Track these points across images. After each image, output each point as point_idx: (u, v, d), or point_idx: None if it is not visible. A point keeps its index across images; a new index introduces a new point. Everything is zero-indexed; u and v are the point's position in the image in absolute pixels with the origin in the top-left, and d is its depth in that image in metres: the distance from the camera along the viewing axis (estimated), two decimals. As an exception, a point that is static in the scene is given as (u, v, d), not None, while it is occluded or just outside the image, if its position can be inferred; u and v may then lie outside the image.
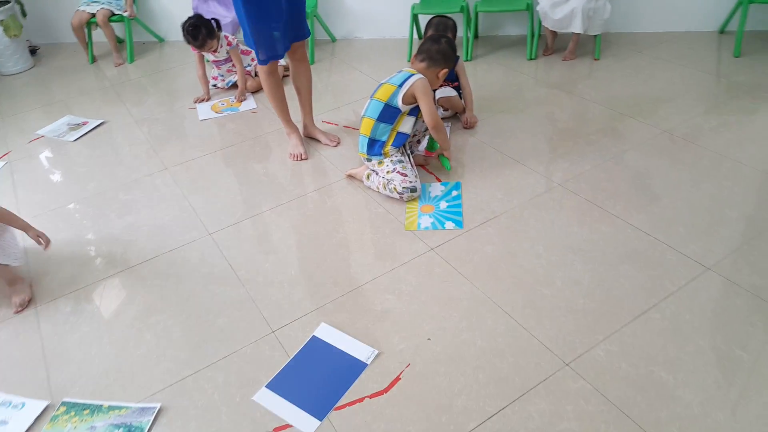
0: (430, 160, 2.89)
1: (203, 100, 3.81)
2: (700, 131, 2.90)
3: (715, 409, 1.62)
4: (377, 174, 2.67)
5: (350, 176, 2.84)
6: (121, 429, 1.74)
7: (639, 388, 1.70)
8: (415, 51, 2.75)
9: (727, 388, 1.68)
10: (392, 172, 2.60)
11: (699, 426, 1.59)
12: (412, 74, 2.60)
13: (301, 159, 3.04)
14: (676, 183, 2.55)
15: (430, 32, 3.18)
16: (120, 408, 1.81)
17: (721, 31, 3.99)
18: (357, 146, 2.79)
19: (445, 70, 2.69)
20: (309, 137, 3.22)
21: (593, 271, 2.14)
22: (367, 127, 2.66)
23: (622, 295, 2.02)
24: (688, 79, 3.45)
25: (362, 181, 2.75)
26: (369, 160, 2.71)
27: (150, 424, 1.75)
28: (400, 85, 2.58)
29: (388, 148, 2.64)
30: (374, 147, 2.66)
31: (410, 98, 2.57)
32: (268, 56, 2.76)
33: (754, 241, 2.18)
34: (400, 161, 2.63)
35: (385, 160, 2.65)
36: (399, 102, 2.57)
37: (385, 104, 2.60)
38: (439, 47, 2.67)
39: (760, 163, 2.61)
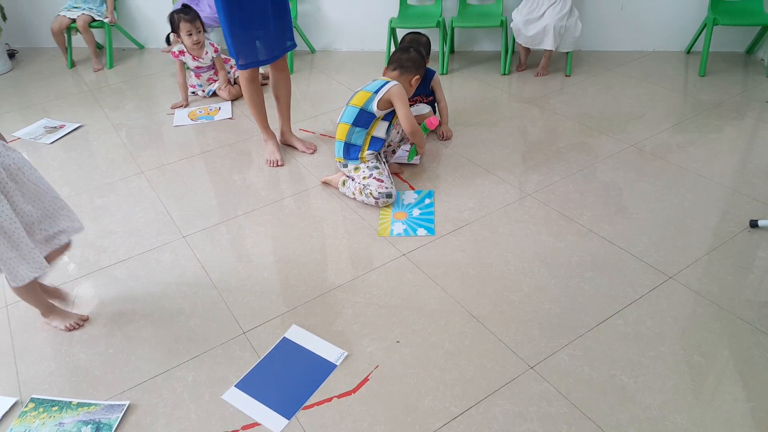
0: (405, 169, 2.93)
1: (181, 106, 3.82)
2: (666, 147, 3.00)
3: (673, 411, 1.68)
4: (353, 180, 2.71)
5: (325, 183, 2.87)
6: (90, 426, 1.74)
7: (600, 391, 1.75)
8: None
9: (685, 392, 1.73)
10: (368, 177, 2.65)
11: (658, 428, 1.64)
12: (388, 81, 2.66)
13: (278, 165, 3.06)
14: (642, 195, 2.63)
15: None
16: (89, 405, 1.81)
17: (688, 51, 4.12)
18: (333, 154, 2.83)
19: (417, 77, 2.76)
20: (286, 144, 3.25)
21: (559, 278, 2.19)
22: (342, 132, 2.71)
23: (587, 302, 2.08)
24: (655, 96, 3.56)
25: (337, 188, 2.79)
26: (345, 165, 2.74)
27: (118, 421, 1.75)
28: (376, 92, 2.64)
29: (365, 153, 2.69)
30: (350, 152, 2.70)
31: (386, 104, 2.63)
32: (248, 62, 2.80)
33: (714, 252, 2.26)
34: (376, 167, 2.67)
35: (361, 166, 2.69)
36: (374, 107, 2.62)
37: (360, 109, 2.65)
38: (409, 56, 2.76)
39: (722, 178, 2.70)
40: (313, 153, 3.16)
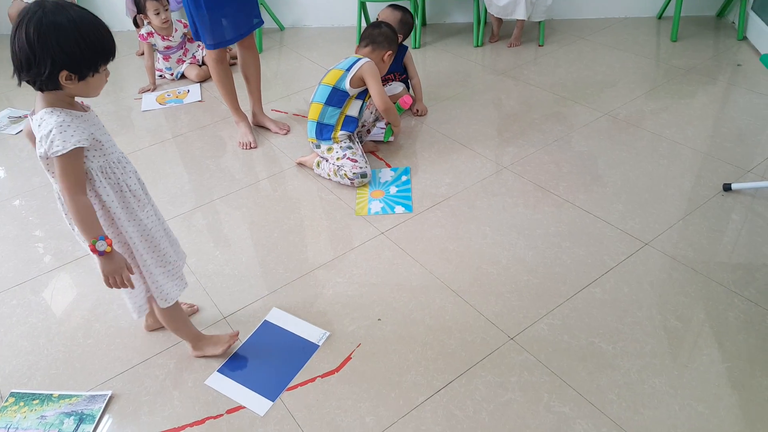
0: (380, 147, 2.92)
1: (149, 90, 3.75)
2: (640, 114, 3.01)
3: (651, 375, 1.71)
4: (327, 161, 2.69)
5: (300, 164, 2.84)
6: (72, 417, 1.73)
7: (580, 358, 1.78)
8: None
9: (663, 356, 1.76)
10: (342, 158, 2.62)
11: (636, 392, 1.66)
12: (360, 58, 2.63)
13: (251, 147, 3.03)
14: (617, 163, 2.64)
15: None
16: (70, 397, 1.79)
17: (659, 17, 4.13)
18: (307, 134, 2.80)
19: (390, 53, 2.73)
20: (258, 126, 3.21)
21: (537, 249, 2.21)
22: (315, 111, 2.68)
23: (564, 272, 2.09)
24: (628, 63, 3.57)
25: (312, 169, 2.77)
26: (318, 146, 2.72)
27: (101, 411, 1.74)
28: (348, 69, 2.61)
29: (338, 133, 2.66)
30: (323, 132, 2.68)
31: (358, 81, 2.60)
32: (216, 42, 2.74)
33: (689, 217, 2.29)
34: (350, 147, 2.65)
35: (334, 146, 2.66)
36: (347, 85, 2.59)
37: (333, 88, 2.62)
38: (381, 30, 2.73)
39: (695, 143, 2.73)
40: (286, 134, 3.13)
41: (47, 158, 1.37)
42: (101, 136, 1.46)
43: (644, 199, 2.41)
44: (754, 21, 3.60)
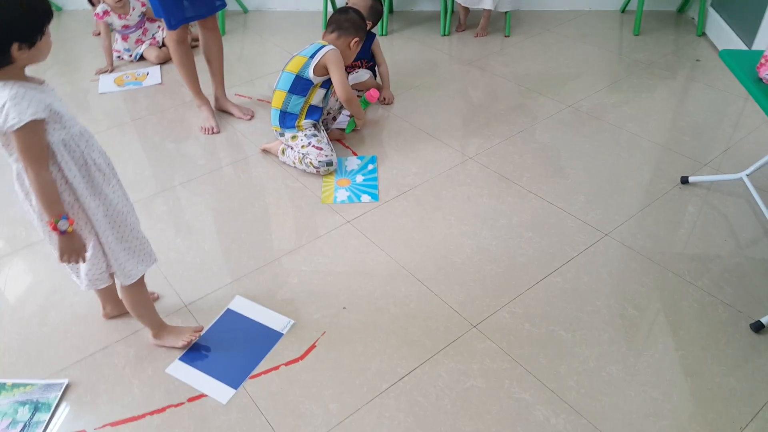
0: (346, 135, 2.91)
1: (107, 71, 3.65)
2: (602, 106, 3.06)
3: (609, 363, 1.75)
4: (292, 149, 2.66)
5: (265, 151, 2.81)
6: (27, 406, 1.69)
7: (540, 346, 1.81)
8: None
9: (620, 344, 1.81)
10: (307, 146, 2.60)
11: (594, 378, 1.71)
12: (324, 45, 2.59)
13: (213, 132, 2.98)
14: (579, 155, 2.69)
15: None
16: (25, 385, 1.75)
17: (623, 11, 4.20)
18: (270, 121, 2.77)
19: (357, 39, 2.68)
20: (221, 110, 3.17)
21: (500, 238, 2.24)
22: (278, 99, 2.64)
23: (526, 261, 2.13)
24: (592, 56, 3.62)
25: (277, 156, 2.74)
26: (282, 134, 2.69)
27: (57, 399, 1.70)
28: (312, 56, 2.56)
29: (302, 121, 2.64)
30: (287, 120, 2.65)
31: (322, 69, 2.57)
32: (178, 20, 2.69)
33: (648, 209, 2.34)
34: (315, 135, 2.63)
35: (299, 134, 2.64)
36: (310, 73, 2.56)
37: (297, 76, 2.58)
38: (347, 16, 2.67)
39: (655, 136, 2.79)
40: (250, 119, 3.09)
41: (4, 134, 1.33)
42: (60, 108, 1.41)
43: (605, 191, 2.45)
44: (713, 17, 3.68)
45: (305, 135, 2.62)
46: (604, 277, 2.04)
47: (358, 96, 2.88)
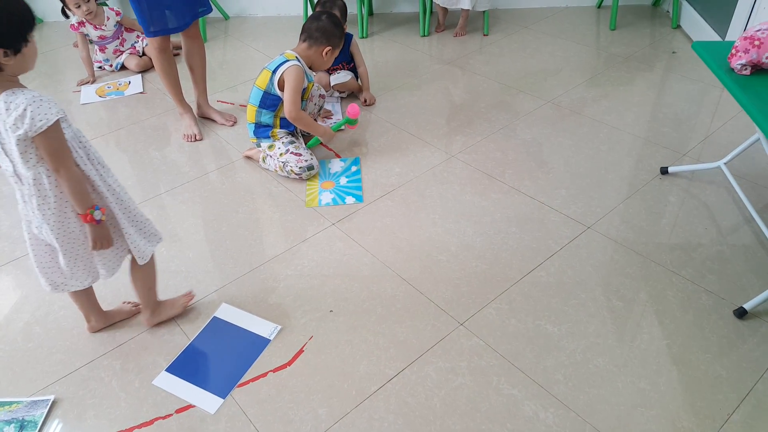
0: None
1: (88, 82, 3.63)
2: (581, 101, 3.09)
3: (595, 355, 1.76)
4: (272, 158, 2.65)
5: (248, 157, 2.80)
6: (13, 425, 1.67)
7: (527, 341, 1.82)
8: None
9: (606, 336, 1.82)
10: (285, 153, 2.59)
11: (582, 371, 1.72)
12: (287, 60, 2.54)
13: (196, 140, 2.97)
14: (560, 150, 2.71)
15: (318, 9, 3.13)
16: (10, 403, 1.73)
17: (599, 6, 4.23)
18: (248, 132, 2.75)
19: (329, 48, 2.62)
20: (204, 117, 3.15)
21: (484, 235, 2.24)
22: (251, 113, 2.63)
23: (511, 257, 2.14)
24: (570, 52, 3.64)
25: (259, 164, 2.73)
26: (259, 145, 2.68)
27: (44, 417, 1.69)
28: (274, 71, 2.53)
29: (276, 130, 2.63)
30: (260, 132, 2.64)
31: (283, 85, 2.53)
32: (157, 29, 2.67)
33: (629, 201, 2.36)
34: (292, 142, 2.62)
35: (275, 143, 2.62)
36: (276, 89, 2.53)
37: (264, 92, 2.56)
38: (318, 24, 2.59)
39: (634, 129, 2.81)
40: (233, 125, 3.08)
41: (26, 139, 1.37)
42: (62, 106, 1.46)
43: (586, 184, 2.47)
44: (687, 10, 3.72)
45: (282, 143, 2.61)
46: (588, 270, 2.06)
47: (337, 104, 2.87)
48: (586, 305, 1.92)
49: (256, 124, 2.64)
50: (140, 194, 2.61)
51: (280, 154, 2.60)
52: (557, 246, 2.17)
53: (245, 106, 3.23)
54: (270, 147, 2.63)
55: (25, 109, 1.33)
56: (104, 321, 1.95)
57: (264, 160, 2.68)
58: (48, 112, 1.35)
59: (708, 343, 1.78)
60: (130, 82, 3.61)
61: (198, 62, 3.00)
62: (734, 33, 3.12)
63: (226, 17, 4.53)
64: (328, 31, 2.60)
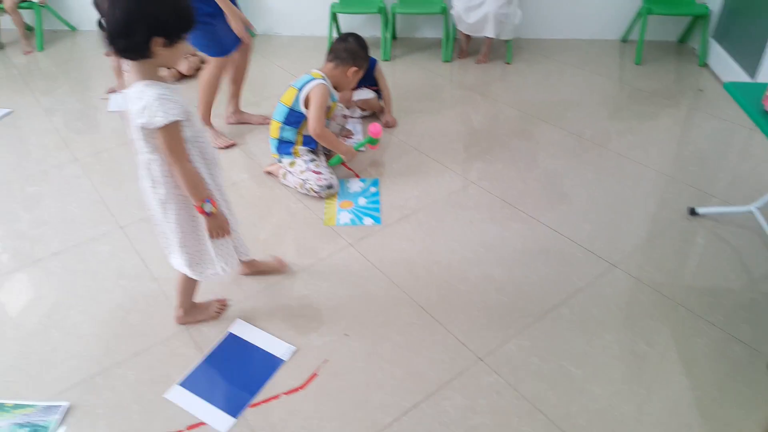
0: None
1: (117, 90, 3.63)
2: (605, 134, 3.06)
3: (621, 402, 1.70)
4: (292, 174, 2.64)
5: (268, 173, 2.78)
6: (27, 428, 1.64)
7: (550, 382, 1.76)
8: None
9: (632, 381, 1.76)
10: (306, 171, 2.58)
11: (606, 418, 1.66)
12: (313, 78, 2.56)
13: (230, 145, 3.03)
14: (583, 183, 2.67)
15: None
16: (25, 407, 1.70)
17: (623, 40, 4.23)
18: (270, 147, 2.75)
19: (355, 69, 2.66)
20: (241, 123, 3.24)
21: (504, 266, 2.20)
22: (275, 129, 2.64)
23: (533, 291, 2.09)
24: (593, 84, 3.63)
25: (279, 180, 2.71)
26: (280, 160, 2.67)
27: (57, 423, 1.65)
28: (301, 89, 2.55)
29: (298, 147, 2.62)
30: (283, 148, 2.65)
31: (309, 102, 2.55)
32: (230, 47, 2.84)
33: (656, 240, 2.32)
34: (313, 159, 2.61)
35: (296, 160, 2.62)
36: (301, 106, 2.55)
37: (290, 109, 2.57)
38: (345, 45, 2.66)
39: (660, 165, 2.78)
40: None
41: (145, 128, 1.47)
42: (190, 108, 1.55)
43: (610, 220, 2.43)
44: (715, 48, 3.71)
45: (303, 160, 2.60)
46: (613, 310, 2.01)
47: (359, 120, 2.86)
48: (611, 347, 1.87)
49: (279, 139, 2.63)
50: (158, 204, 2.58)
51: (301, 171, 2.58)
52: (581, 282, 2.12)
53: (268, 119, 3.24)
54: (291, 164, 2.62)
55: (150, 103, 1.43)
56: (250, 268, 2.13)
57: (284, 177, 2.66)
58: (169, 111, 1.44)
59: (741, 397, 1.71)
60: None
61: (243, 75, 3.12)
62: (766, 73, 3.09)
63: (252, 35, 4.53)
64: (354, 51, 2.66)
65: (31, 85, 3.79)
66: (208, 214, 1.62)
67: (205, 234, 1.71)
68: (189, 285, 1.91)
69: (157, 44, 1.40)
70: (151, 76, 1.46)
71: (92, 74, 3.95)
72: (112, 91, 3.64)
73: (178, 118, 1.46)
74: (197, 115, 1.59)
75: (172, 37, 1.42)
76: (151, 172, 1.60)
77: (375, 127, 2.71)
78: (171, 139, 1.49)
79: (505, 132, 3.11)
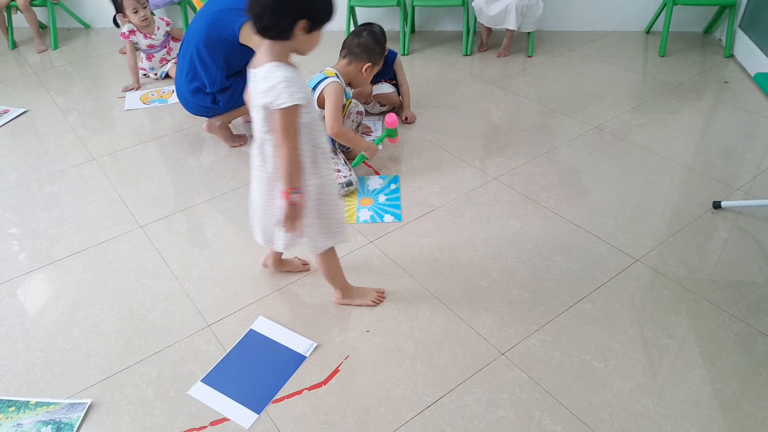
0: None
1: (133, 89, 3.67)
2: (628, 128, 3.02)
3: (644, 395, 1.69)
4: None
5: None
6: (50, 426, 1.66)
7: (572, 376, 1.75)
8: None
9: (654, 375, 1.75)
10: None
11: (629, 412, 1.64)
12: (326, 77, 2.54)
13: (245, 142, 3.04)
14: (606, 177, 2.64)
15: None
16: (48, 404, 1.73)
17: (647, 32, 4.16)
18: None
19: (369, 65, 2.62)
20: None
21: (527, 262, 2.19)
22: None
23: (555, 286, 2.08)
24: (616, 77, 3.58)
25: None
26: None
27: (80, 420, 1.68)
28: (314, 88, 2.53)
29: None
30: None
31: (323, 102, 2.52)
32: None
33: (679, 234, 2.29)
34: (331, 157, 2.59)
35: None
36: (315, 106, 2.52)
37: None
38: (359, 40, 2.61)
39: (684, 159, 2.74)
40: None
41: (266, 108, 1.51)
42: (310, 95, 1.60)
43: (634, 215, 2.40)
44: (742, 39, 3.63)
45: None
46: (636, 305, 1.98)
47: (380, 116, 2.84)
48: (634, 342, 1.85)
49: None
50: (179, 203, 2.61)
51: None
52: (604, 278, 2.10)
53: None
54: None
55: (275, 84, 1.45)
56: (278, 266, 2.16)
57: (304, 175, 2.66)
58: (294, 94, 1.46)
59: (764, 390, 1.69)
60: (173, 91, 3.64)
61: None
62: (792, 65, 3.03)
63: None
64: (368, 47, 2.62)
65: (47, 84, 3.84)
66: (291, 203, 1.61)
67: (317, 203, 1.72)
68: (330, 266, 1.94)
69: (300, 27, 1.44)
70: (282, 58, 1.49)
71: (107, 72, 3.98)
72: (128, 89, 3.67)
73: (300, 103, 1.48)
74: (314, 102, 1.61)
75: (315, 24, 1.46)
76: (263, 151, 1.65)
77: (390, 117, 2.66)
78: (287, 122, 1.51)
79: (526, 126, 3.08)
